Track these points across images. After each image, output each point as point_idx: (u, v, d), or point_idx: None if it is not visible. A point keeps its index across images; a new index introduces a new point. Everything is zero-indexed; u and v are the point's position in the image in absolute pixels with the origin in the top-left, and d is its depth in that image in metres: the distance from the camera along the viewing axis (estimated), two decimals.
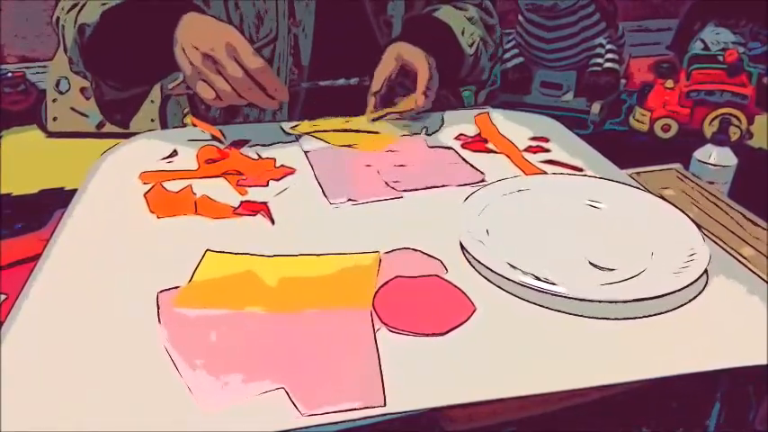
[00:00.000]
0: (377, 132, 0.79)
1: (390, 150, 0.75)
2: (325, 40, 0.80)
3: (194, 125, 0.81)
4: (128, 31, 0.77)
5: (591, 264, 0.53)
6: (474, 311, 0.47)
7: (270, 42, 0.87)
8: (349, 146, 0.76)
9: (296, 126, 0.82)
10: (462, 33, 0.89)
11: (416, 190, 0.66)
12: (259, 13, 0.85)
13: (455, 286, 0.50)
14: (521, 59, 2.27)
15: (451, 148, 0.76)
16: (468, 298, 0.48)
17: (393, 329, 0.45)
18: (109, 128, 2.11)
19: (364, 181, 0.68)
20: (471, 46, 0.90)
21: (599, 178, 0.65)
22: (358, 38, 0.86)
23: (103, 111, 0.92)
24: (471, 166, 0.71)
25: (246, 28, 0.85)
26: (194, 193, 0.65)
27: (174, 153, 0.74)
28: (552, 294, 0.47)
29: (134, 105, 0.92)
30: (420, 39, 0.83)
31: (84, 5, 0.82)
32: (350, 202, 0.63)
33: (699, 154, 1.36)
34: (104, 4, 0.79)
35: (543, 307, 0.48)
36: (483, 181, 0.67)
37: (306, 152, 0.74)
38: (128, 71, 0.81)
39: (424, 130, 0.80)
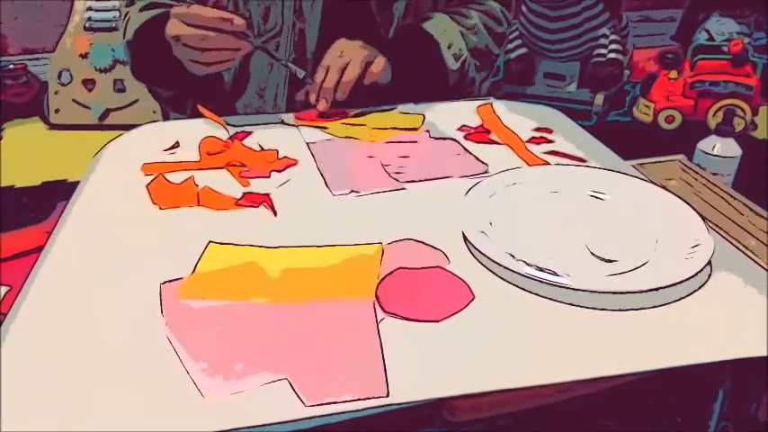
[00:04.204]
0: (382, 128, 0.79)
1: (393, 142, 0.75)
2: (331, 35, 0.81)
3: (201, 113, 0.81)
4: (156, 45, 0.82)
5: (594, 255, 0.52)
6: (472, 300, 0.47)
7: (274, 36, 0.87)
8: (351, 137, 0.76)
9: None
10: (449, 47, 0.88)
11: (419, 181, 0.66)
12: (266, 8, 0.86)
13: (457, 276, 0.50)
14: (524, 50, 2.25)
15: (454, 140, 0.76)
16: (468, 287, 0.48)
17: (391, 314, 0.45)
18: (111, 119, 2.11)
19: (367, 172, 0.68)
20: (458, 60, 0.89)
21: (602, 169, 0.65)
22: (362, 33, 0.86)
23: (164, 107, 1.01)
24: (474, 157, 0.71)
25: (255, 23, 0.86)
26: (197, 185, 0.65)
27: (176, 144, 0.74)
28: (555, 285, 0.47)
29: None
30: (405, 50, 0.86)
31: (127, 23, 0.89)
32: (353, 194, 0.63)
33: (703, 145, 1.35)
34: (143, 13, 0.86)
35: (546, 298, 0.47)
36: (486, 172, 0.67)
37: (308, 144, 0.74)
38: (168, 78, 0.86)
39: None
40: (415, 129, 0.79)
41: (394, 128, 0.79)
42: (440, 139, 0.76)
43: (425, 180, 0.66)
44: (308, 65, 0.88)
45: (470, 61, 0.91)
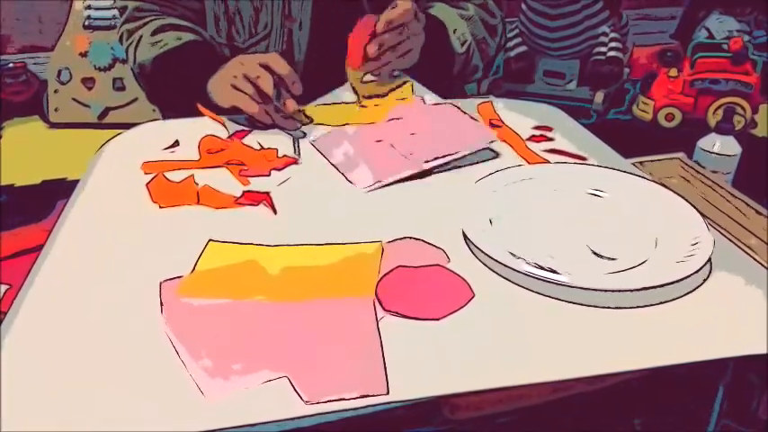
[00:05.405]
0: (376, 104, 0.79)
1: (392, 119, 0.75)
2: (322, 36, 0.81)
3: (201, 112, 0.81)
4: (180, 74, 0.84)
5: (594, 253, 0.52)
6: (472, 298, 0.47)
7: (264, 38, 0.87)
8: (347, 123, 0.76)
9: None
10: (454, 32, 0.89)
11: (435, 159, 0.66)
12: (255, 9, 0.85)
13: (456, 274, 0.50)
14: (524, 48, 2.25)
15: (450, 104, 0.76)
16: (468, 285, 0.48)
17: (391, 312, 0.45)
18: (110, 118, 2.11)
19: (382, 158, 0.67)
20: (463, 45, 0.90)
21: (602, 167, 0.65)
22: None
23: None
24: (479, 124, 0.72)
25: (246, 23, 0.86)
26: (196, 183, 0.65)
27: (176, 143, 0.74)
28: (555, 283, 0.47)
29: None
30: None
31: (139, 40, 0.88)
32: (377, 184, 0.63)
33: (702, 143, 1.35)
34: (155, 43, 0.85)
35: (546, 296, 0.47)
36: (493, 141, 0.69)
37: (311, 142, 0.74)
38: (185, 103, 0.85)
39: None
40: (405, 98, 0.79)
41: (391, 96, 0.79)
42: (436, 105, 0.77)
43: (439, 158, 0.66)
44: (297, 67, 0.88)
45: (474, 48, 0.92)
